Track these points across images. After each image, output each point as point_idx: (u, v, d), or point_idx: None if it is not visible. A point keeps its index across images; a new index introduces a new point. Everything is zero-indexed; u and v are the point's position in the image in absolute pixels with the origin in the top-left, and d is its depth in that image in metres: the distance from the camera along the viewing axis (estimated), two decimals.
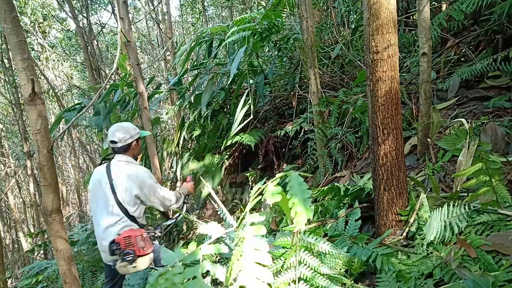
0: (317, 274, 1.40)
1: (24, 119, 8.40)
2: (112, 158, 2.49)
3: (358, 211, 1.82)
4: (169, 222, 2.74)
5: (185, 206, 2.69)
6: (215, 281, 2.24)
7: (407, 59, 3.43)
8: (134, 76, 3.66)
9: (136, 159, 2.56)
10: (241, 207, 3.45)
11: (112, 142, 2.41)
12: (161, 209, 2.54)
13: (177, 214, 2.70)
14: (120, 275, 2.50)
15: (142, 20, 12.88)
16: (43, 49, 10.41)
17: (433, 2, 3.50)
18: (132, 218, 2.36)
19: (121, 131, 2.42)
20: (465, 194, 1.68)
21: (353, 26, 4.31)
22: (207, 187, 2.49)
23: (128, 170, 2.37)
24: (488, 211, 1.46)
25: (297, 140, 3.41)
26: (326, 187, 2.06)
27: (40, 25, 10.33)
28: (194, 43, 4.19)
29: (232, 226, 1.12)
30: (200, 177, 2.65)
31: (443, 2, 3.40)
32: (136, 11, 12.65)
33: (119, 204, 2.32)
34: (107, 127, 4.11)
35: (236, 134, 3.55)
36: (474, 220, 1.45)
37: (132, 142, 2.45)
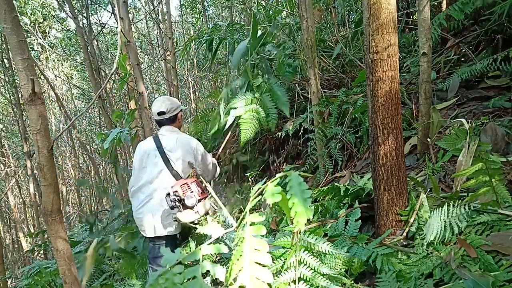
0: (317, 274, 1.40)
1: (24, 119, 8.39)
2: (158, 131, 2.51)
3: (358, 211, 1.82)
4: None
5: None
6: (215, 281, 2.24)
7: (407, 59, 3.43)
8: (134, 76, 3.66)
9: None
10: (241, 207, 3.45)
11: (160, 113, 2.42)
12: (208, 178, 2.54)
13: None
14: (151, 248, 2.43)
15: (142, 20, 12.87)
16: (43, 49, 10.40)
17: (433, 2, 3.49)
18: None
19: (168, 101, 2.44)
20: (465, 194, 1.68)
21: (353, 26, 4.31)
22: (208, 187, 2.49)
23: (180, 139, 2.39)
24: (488, 211, 1.46)
25: (297, 140, 3.41)
26: (326, 187, 2.06)
27: (40, 25, 10.33)
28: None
29: (232, 226, 1.12)
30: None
31: None
32: (136, 11, 12.64)
33: (175, 175, 2.32)
34: None
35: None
36: (474, 220, 1.45)
37: (178, 112, 2.49)
